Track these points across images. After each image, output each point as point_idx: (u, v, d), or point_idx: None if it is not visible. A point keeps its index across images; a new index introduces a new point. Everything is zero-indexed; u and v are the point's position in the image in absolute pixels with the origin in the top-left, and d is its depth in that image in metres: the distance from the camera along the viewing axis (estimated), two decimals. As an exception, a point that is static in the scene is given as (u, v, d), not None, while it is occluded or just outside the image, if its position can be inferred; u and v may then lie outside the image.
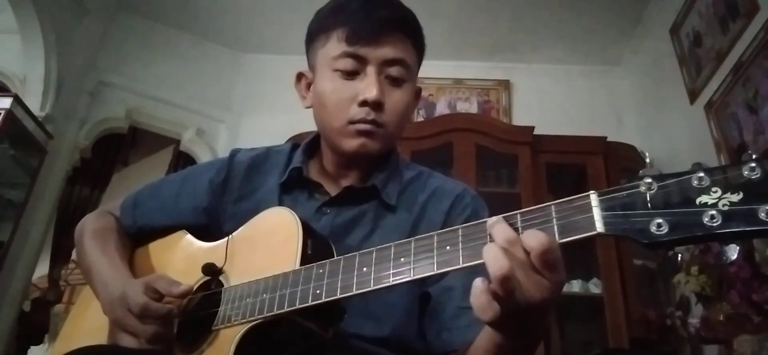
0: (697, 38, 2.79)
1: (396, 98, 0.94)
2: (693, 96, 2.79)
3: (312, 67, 1.01)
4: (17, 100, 2.91)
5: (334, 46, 0.94)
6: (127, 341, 0.82)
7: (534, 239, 0.55)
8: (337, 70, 0.93)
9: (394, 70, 0.93)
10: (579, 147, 3.03)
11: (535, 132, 3.00)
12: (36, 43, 3.08)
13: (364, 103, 0.91)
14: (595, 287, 2.78)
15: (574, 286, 2.81)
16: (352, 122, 0.92)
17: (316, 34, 0.99)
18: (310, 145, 1.05)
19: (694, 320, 2.16)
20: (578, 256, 2.89)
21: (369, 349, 0.86)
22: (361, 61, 0.92)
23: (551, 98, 3.64)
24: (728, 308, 1.96)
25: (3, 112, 2.82)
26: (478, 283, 0.57)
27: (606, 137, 3.04)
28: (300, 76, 1.04)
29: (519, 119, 3.49)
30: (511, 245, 0.55)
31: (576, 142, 3.05)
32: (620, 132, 3.32)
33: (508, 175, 3.06)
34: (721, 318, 1.97)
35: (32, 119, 3.01)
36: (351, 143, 0.93)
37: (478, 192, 1.03)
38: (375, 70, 0.92)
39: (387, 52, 0.92)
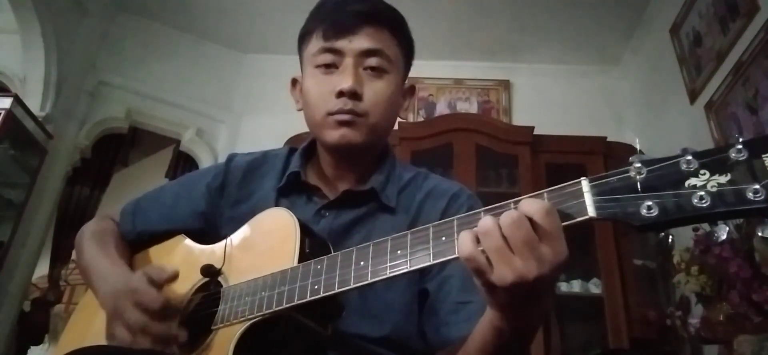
0: (697, 38, 2.79)
1: (376, 88, 0.95)
2: (693, 96, 2.79)
3: (302, 70, 1.03)
4: (17, 100, 2.91)
5: (314, 44, 0.97)
6: (122, 333, 0.81)
7: (530, 205, 0.57)
8: (317, 67, 0.96)
9: (372, 61, 0.95)
10: (579, 147, 3.03)
11: (535, 132, 3.01)
12: (36, 43, 3.09)
13: (340, 94, 0.92)
14: (595, 287, 2.78)
15: (574, 286, 2.81)
16: (330, 114, 0.93)
17: (302, 37, 1.02)
18: (308, 149, 1.05)
19: (694, 320, 2.15)
20: (578, 256, 2.89)
21: (369, 349, 0.86)
22: (338, 54, 0.94)
23: (551, 98, 3.64)
24: (728, 308, 1.95)
25: (3, 112, 2.83)
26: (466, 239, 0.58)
27: (606, 137, 3.05)
28: (294, 82, 1.06)
29: (519, 119, 3.49)
30: (485, 234, 0.57)
31: (576, 142, 3.05)
32: (620, 132, 3.32)
33: (508, 175, 3.06)
34: (721, 318, 1.96)
35: (32, 119, 3.02)
36: (332, 135, 0.93)
37: (478, 192, 1.04)
38: (352, 62, 0.93)
39: (362, 43, 0.94)
